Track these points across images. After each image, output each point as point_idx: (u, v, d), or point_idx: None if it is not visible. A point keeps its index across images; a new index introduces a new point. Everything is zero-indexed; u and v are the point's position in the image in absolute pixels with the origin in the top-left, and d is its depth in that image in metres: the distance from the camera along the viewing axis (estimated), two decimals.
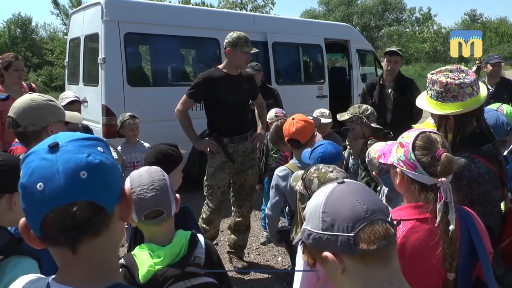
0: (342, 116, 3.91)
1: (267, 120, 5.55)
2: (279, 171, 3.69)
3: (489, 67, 6.24)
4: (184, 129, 4.53)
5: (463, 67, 2.30)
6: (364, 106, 3.94)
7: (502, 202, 2.40)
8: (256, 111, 4.99)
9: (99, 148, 1.00)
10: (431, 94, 2.27)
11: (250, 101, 4.92)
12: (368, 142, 3.59)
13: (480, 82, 2.32)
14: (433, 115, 2.35)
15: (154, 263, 1.73)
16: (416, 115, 5.46)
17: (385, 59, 5.45)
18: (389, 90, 5.44)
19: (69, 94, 4.92)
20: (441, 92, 2.21)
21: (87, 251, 0.98)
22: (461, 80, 2.19)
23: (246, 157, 4.57)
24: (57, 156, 0.94)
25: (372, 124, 3.74)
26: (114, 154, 1.42)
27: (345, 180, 1.24)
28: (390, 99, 5.39)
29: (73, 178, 0.92)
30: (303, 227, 1.23)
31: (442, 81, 2.20)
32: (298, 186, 2.79)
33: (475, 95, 2.21)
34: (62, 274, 1.01)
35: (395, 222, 1.19)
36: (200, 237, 1.92)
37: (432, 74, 2.29)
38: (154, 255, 1.75)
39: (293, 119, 3.76)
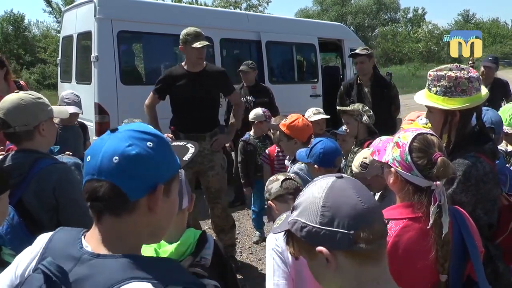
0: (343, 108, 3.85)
1: (252, 119, 5.53)
2: (299, 169, 3.41)
3: (481, 69, 6.30)
4: (149, 124, 4.47)
5: (462, 65, 2.31)
6: (367, 107, 3.93)
7: None
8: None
9: (148, 143, 1.10)
10: (436, 91, 2.24)
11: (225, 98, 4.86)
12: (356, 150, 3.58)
13: None
14: (433, 113, 2.31)
15: None
16: (395, 111, 5.57)
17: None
18: (367, 89, 5.47)
19: (70, 97, 4.66)
20: (450, 87, 2.19)
21: (108, 225, 1.10)
22: (470, 75, 2.19)
23: (204, 158, 4.42)
24: (108, 139, 1.10)
25: (369, 122, 3.73)
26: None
27: (343, 175, 1.22)
28: (369, 98, 5.40)
29: (107, 160, 1.06)
30: (293, 217, 1.20)
31: (451, 76, 2.19)
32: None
33: (480, 91, 2.23)
34: (89, 234, 1.14)
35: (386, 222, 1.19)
36: (210, 238, 1.90)
37: (434, 71, 2.28)
38: (159, 251, 1.74)
39: (302, 118, 3.76)
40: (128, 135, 1.11)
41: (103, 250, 1.09)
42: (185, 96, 4.37)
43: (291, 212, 1.24)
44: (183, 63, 4.47)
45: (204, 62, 4.44)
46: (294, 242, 1.22)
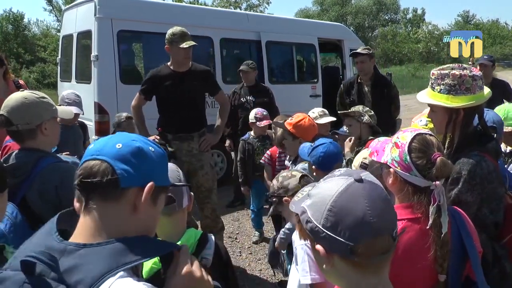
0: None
1: (251, 120, 5.54)
2: (302, 169, 3.30)
3: (477, 67, 6.31)
4: (136, 124, 4.59)
5: (464, 65, 2.32)
6: (367, 108, 3.94)
7: None
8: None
9: (150, 148, 1.22)
10: (440, 89, 2.24)
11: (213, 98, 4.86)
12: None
13: None
14: (436, 112, 2.32)
15: (158, 260, 1.71)
16: (395, 111, 5.57)
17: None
18: (367, 89, 5.48)
19: (71, 97, 4.68)
20: (454, 85, 2.20)
21: (94, 212, 1.14)
22: (473, 73, 2.20)
23: (193, 157, 4.42)
24: (116, 135, 1.22)
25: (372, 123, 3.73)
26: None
27: (364, 178, 1.15)
28: (369, 97, 5.41)
29: (110, 145, 1.17)
30: (304, 205, 1.18)
31: (456, 74, 2.19)
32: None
33: (483, 89, 2.24)
34: (76, 230, 1.16)
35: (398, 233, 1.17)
36: (211, 238, 1.91)
37: (437, 70, 2.28)
38: None
39: (308, 117, 3.77)
40: (136, 136, 1.23)
41: (88, 240, 1.10)
42: (171, 96, 4.36)
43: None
44: (168, 63, 4.45)
45: (190, 62, 4.42)
46: (302, 227, 1.20)
